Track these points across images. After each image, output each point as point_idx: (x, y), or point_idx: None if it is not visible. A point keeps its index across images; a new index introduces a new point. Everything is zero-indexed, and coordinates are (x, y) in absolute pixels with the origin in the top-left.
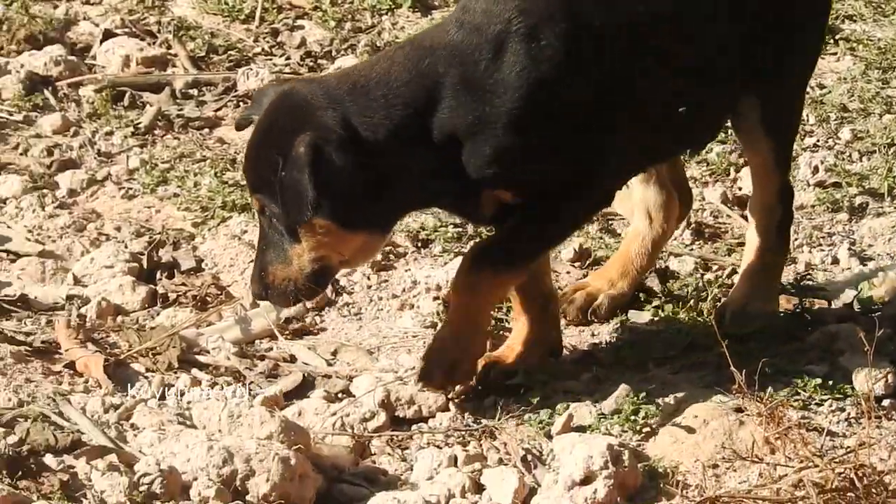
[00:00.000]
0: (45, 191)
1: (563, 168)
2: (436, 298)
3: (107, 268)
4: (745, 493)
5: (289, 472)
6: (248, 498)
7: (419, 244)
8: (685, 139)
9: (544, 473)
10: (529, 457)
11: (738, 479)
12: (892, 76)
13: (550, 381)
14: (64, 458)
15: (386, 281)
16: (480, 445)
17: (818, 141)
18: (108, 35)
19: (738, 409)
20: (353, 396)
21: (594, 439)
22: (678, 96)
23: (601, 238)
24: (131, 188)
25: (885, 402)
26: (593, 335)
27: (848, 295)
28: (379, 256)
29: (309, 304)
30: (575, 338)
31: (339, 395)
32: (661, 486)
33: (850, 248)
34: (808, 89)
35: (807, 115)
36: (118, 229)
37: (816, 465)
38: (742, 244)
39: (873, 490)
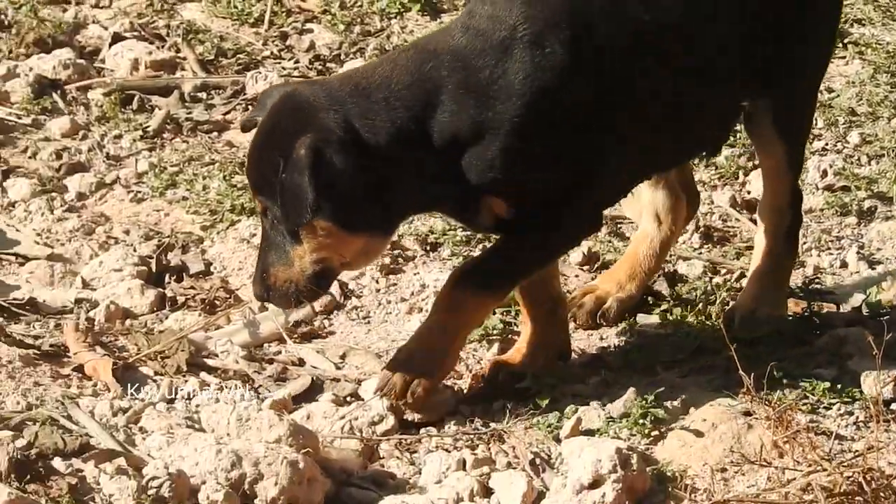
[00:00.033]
0: (53, 194)
1: (562, 176)
2: None
3: (115, 271)
4: (754, 497)
5: (297, 476)
6: (256, 502)
7: (428, 248)
8: (694, 146)
9: (553, 477)
10: (538, 460)
11: (746, 483)
12: None
13: (559, 385)
14: (72, 461)
15: (395, 284)
16: (489, 449)
17: (827, 144)
18: (117, 38)
19: (747, 413)
20: (362, 400)
21: (603, 443)
22: (685, 103)
23: (609, 241)
24: (140, 191)
25: (894, 406)
26: (602, 338)
27: (856, 299)
28: (388, 260)
29: (318, 308)
30: (583, 341)
31: (348, 399)
32: (670, 489)
33: (858, 252)
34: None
35: (815, 119)
36: (127, 233)
37: (825, 469)
38: (750, 248)
39: (882, 494)
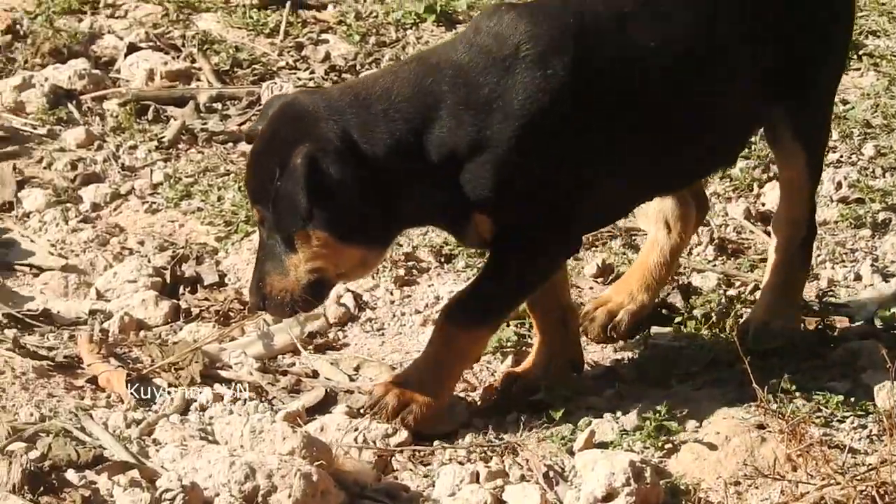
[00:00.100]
0: (68, 205)
1: (554, 198)
2: None
3: (130, 282)
4: None
5: (311, 488)
6: None
7: (442, 259)
8: (703, 165)
9: (566, 490)
10: (551, 473)
11: (759, 497)
12: None
13: (573, 397)
14: (86, 473)
15: (409, 296)
16: (503, 461)
17: (841, 157)
18: (132, 49)
19: (760, 426)
20: None
21: (616, 456)
22: (692, 124)
23: (624, 254)
24: (155, 202)
25: None
26: (615, 351)
27: (870, 312)
28: (402, 271)
29: (332, 319)
30: (597, 353)
31: (362, 411)
32: (683, 503)
33: (872, 265)
34: None
35: (830, 131)
36: (141, 244)
37: (838, 483)
38: (765, 260)
39: None
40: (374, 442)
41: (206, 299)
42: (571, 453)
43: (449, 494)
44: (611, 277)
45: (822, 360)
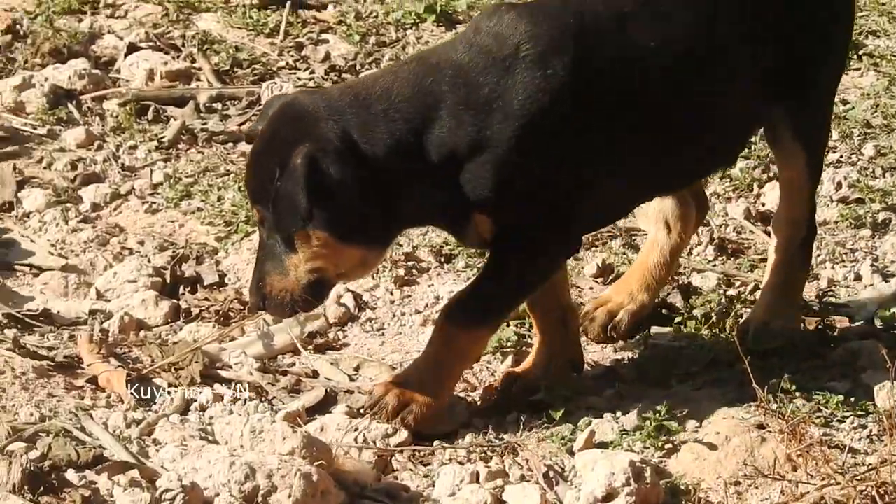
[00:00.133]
0: (68, 205)
1: (554, 198)
2: None
3: (130, 282)
4: None
5: (311, 489)
6: None
7: (442, 259)
8: (703, 166)
9: (566, 490)
10: (551, 473)
11: (759, 497)
12: None
13: (573, 397)
14: (86, 473)
15: (409, 296)
16: (503, 461)
17: (841, 157)
18: (132, 49)
19: (760, 426)
20: None
21: (616, 456)
22: (692, 125)
23: (624, 254)
24: (155, 202)
25: None
26: (615, 351)
27: (870, 312)
28: (402, 271)
29: (332, 319)
30: (597, 353)
31: (362, 411)
32: (683, 503)
33: (872, 265)
34: None
35: (830, 131)
36: (141, 244)
37: (838, 483)
38: (765, 260)
39: None
40: (374, 442)
41: (206, 299)
42: (571, 453)
43: (449, 494)
44: (611, 277)
45: (822, 360)
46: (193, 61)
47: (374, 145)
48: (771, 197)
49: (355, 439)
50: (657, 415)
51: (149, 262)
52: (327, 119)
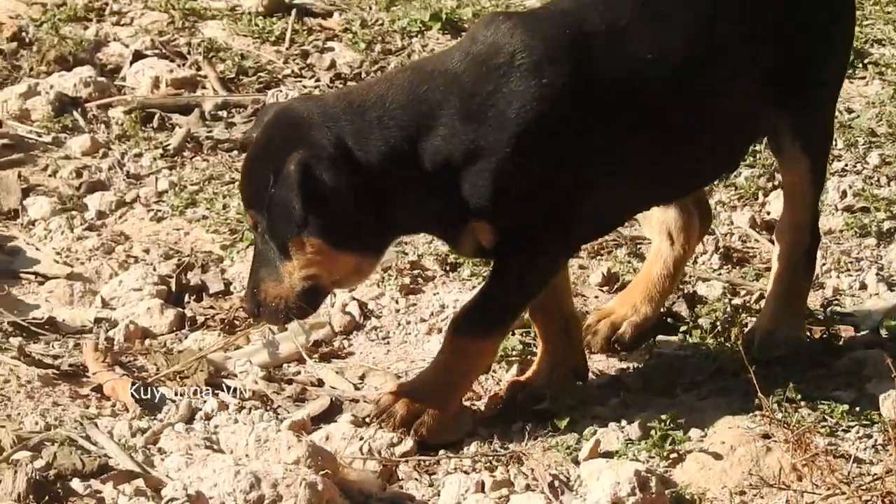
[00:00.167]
0: (73, 213)
1: (550, 205)
2: None
3: (135, 290)
4: None
5: (316, 498)
6: None
7: (447, 268)
8: (704, 173)
9: (571, 499)
10: (557, 483)
11: None
12: None
13: (578, 406)
14: (91, 482)
15: (414, 305)
16: (508, 471)
17: (846, 165)
18: (137, 56)
19: (766, 436)
20: None
21: (621, 465)
22: (691, 133)
23: (629, 262)
24: (160, 210)
25: None
26: (620, 360)
27: (875, 321)
28: (407, 280)
29: (337, 328)
30: (602, 363)
31: (367, 420)
32: None
33: (878, 274)
34: (837, 114)
35: (835, 140)
36: (147, 252)
37: (843, 493)
38: (770, 269)
39: None
40: (380, 451)
41: (212, 307)
42: (577, 462)
43: None
44: (616, 286)
45: (827, 370)
46: (199, 69)
47: (369, 152)
48: (776, 206)
49: (360, 448)
50: (662, 424)
51: (154, 270)
52: (321, 126)
